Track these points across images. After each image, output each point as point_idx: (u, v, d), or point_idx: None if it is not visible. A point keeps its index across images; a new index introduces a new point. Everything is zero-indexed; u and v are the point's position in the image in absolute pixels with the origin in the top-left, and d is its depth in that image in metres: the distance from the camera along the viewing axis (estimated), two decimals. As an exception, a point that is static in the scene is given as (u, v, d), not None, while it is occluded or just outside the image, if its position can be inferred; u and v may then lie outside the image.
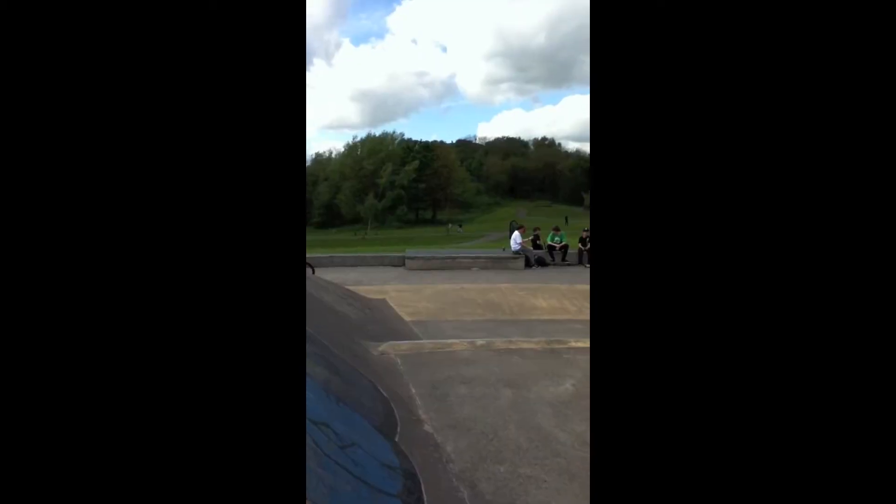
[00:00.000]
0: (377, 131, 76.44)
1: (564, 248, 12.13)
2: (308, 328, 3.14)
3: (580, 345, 3.97)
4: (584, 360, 3.58)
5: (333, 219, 59.15)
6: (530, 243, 12.36)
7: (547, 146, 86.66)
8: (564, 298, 6.72)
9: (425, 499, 1.74)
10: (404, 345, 3.91)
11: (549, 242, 12.37)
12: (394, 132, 69.72)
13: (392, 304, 6.16)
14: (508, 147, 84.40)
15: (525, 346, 3.98)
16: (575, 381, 3.12)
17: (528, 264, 11.05)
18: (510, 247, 12.05)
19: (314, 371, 2.37)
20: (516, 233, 11.89)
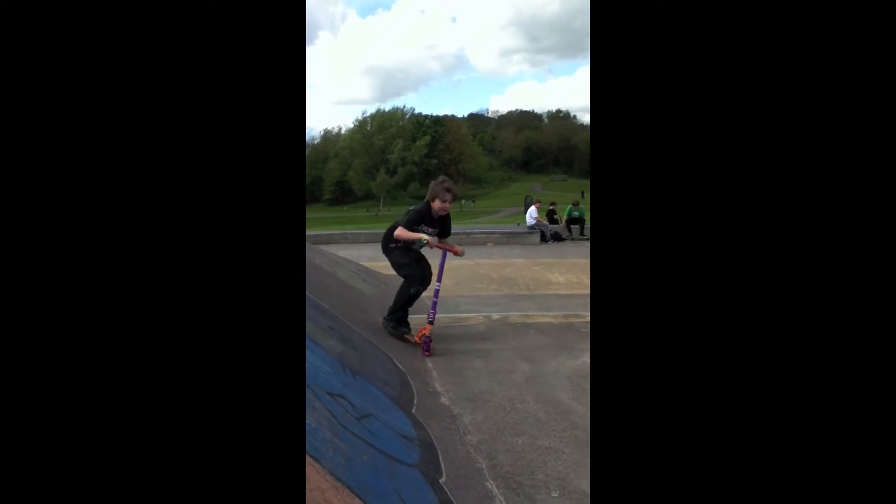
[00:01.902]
0: (386, 106, 75.41)
1: (582, 222, 11.98)
2: (323, 303, 3.13)
3: (597, 318, 3.92)
4: (602, 334, 3.53)
5: (345, 196, 59.17)
6: (546, 218, 12.22)
7: (562, 119, 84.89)
8: (581, 273, 6.63)
9: (443, 469, 1.73)
10: (419, 319, 3.89)
11: (568, 217, 12.21)
12: (403, 107, 68.91)
13: (406, 280, 6.14)
14: (522, 120, 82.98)
15: (541, 320, 3.94)
16: (593, 355, 3.08)
17: (543, 239, 10.94)
18: (525, 222, 11.92)
19: (329, 344, 2.36)
20: (532, 208, 11.74)
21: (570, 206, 12.50)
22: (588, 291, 5.43)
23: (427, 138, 58.11)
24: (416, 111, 66.65)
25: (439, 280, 3.17)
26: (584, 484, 1.73)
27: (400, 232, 3.14)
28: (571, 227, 11.96)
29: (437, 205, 3.13)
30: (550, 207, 12.98)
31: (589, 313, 4.02)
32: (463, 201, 48.38)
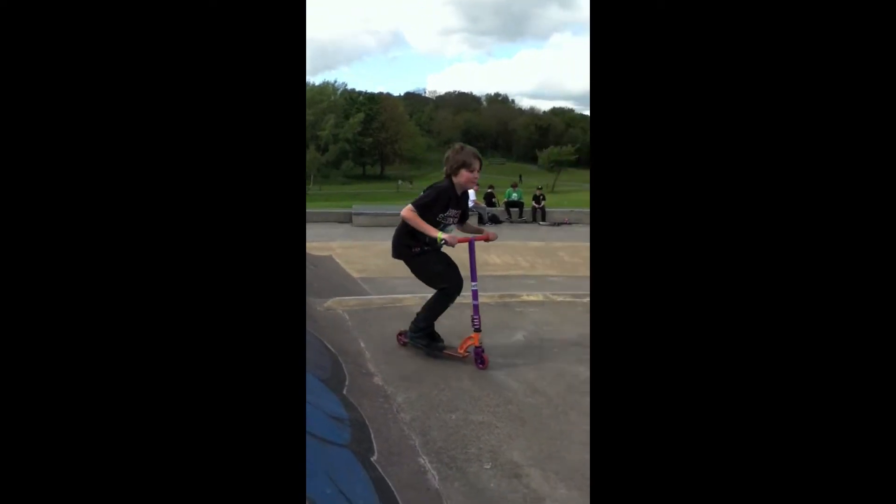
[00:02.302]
0: (316, 80, 71.73)
1: (521, 205, 12.27)
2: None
3: (532, 298, 4.04)
4: (535, 313, 3.64)
5: (274, 173, 56.22)
6: (484, 201, 12.38)
7: (500, 102, 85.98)
8: (517, 255, 6.81)
9: (375, 447, 1.71)
10: (352, 300, 3.80)
11: (507, 200, 12.44)
12: (335, 81, 66.18)
13: (339, 262, 5.98)
14: (460, 102, 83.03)
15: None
16: (526, 333, 3.16)
17: (481, 221, 11.09)
18: (462, 203, 12.00)
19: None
20: (470, 190, 11.82)
21: (510, 188, 12.75)
22: (524, 272, 5.59)
23: (361, 115, 56.22)
24: (349, 87, 64.52)
25: (475, 279, 2.58)
26: (516, 455, 1.78)
27: (409, 214, 2.37)
28: (510, 209, 12.21)
29: (464, 177, 2.46)
30: (489, 190, 13.16)
31: (524, 293, 4.14)
32: (400, 182, 47.86)
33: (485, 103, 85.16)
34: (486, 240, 2.63)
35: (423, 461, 1.72)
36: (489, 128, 75.50)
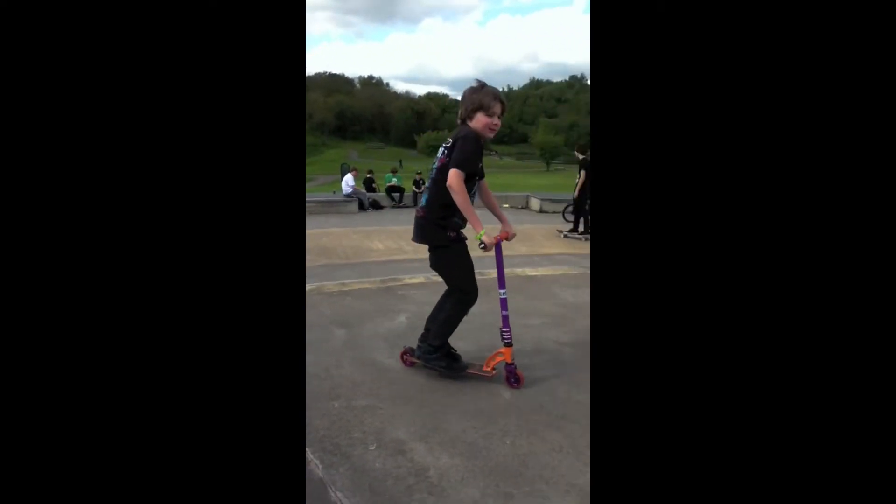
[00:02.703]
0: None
1: (401, 190, 12.30)
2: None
3: (415, 281, 4.13)
4: (419, 295, 3.74)
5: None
6: (363, 186, 12.19)
7: (374, 85, 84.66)
8: (401, 240, 6.85)
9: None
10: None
11: (388, 185, 12.37)
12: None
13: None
14: (332, 84, 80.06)
15: (358, 286, 3.97)
16: (409, 315, 3.24)
17: (361, 207, 10.92)
18: (342, 190, 11.68)
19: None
20: (348, 175, 11.54)
21: (389, 173, 12.71)
22: (408, 257, 5.67)
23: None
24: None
25: (503, 285, 2.17)
26: (401, 433, 1.84)
27: (458, 183, 1.89)
28: (392, 194, 12.19)
29: (480, 122, 1.99)
30: (368, 175, 12.98)
31: (406, 277, 4.22)
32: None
33: (358, 86, 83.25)
34: (506, 238, 2.20)
35: (306, 453, 1.70)
36: (364, 110, 73.99)
